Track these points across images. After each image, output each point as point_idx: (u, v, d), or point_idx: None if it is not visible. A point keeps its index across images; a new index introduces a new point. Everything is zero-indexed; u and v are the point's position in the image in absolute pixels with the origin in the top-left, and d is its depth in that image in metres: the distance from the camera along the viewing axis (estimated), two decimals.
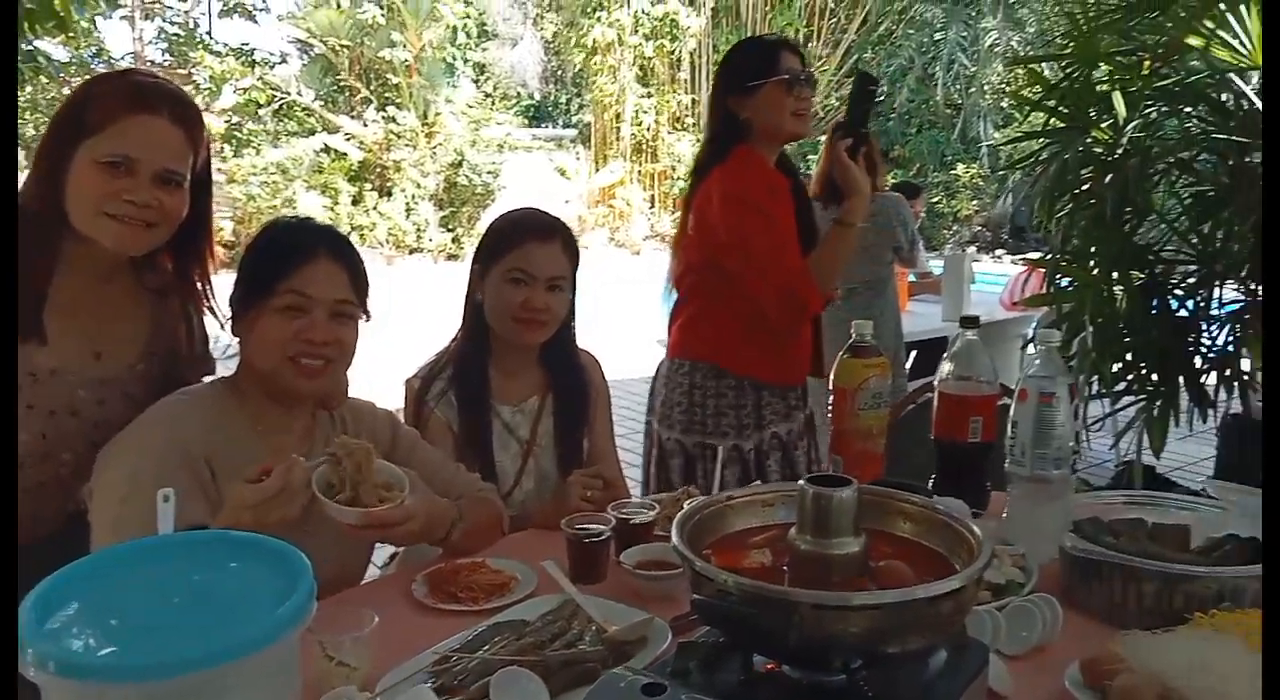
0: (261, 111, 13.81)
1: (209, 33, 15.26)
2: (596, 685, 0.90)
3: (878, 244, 3.82)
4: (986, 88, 11.92)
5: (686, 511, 1.01)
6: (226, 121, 13.38)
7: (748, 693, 0.93)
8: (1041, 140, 3.00)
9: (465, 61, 15.54)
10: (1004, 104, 11.63)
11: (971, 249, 13.13)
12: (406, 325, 6.11)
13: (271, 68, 14.66)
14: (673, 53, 14.41)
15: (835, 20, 13.79)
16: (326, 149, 13.60)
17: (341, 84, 14.78)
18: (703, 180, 2.13)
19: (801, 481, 0.95)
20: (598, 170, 15.04)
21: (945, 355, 1.56)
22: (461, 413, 1.71)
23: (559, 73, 17.56)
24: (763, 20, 13.67)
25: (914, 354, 4.55)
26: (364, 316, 1.44)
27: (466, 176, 13.85)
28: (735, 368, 2.15)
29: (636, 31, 13.66)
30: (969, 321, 1.54)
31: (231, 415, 1.39)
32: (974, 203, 13.44)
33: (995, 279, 6.54)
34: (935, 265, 5.22)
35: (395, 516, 1.29)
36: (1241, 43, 2.62)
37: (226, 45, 14.80)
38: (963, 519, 0.96)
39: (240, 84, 13.79)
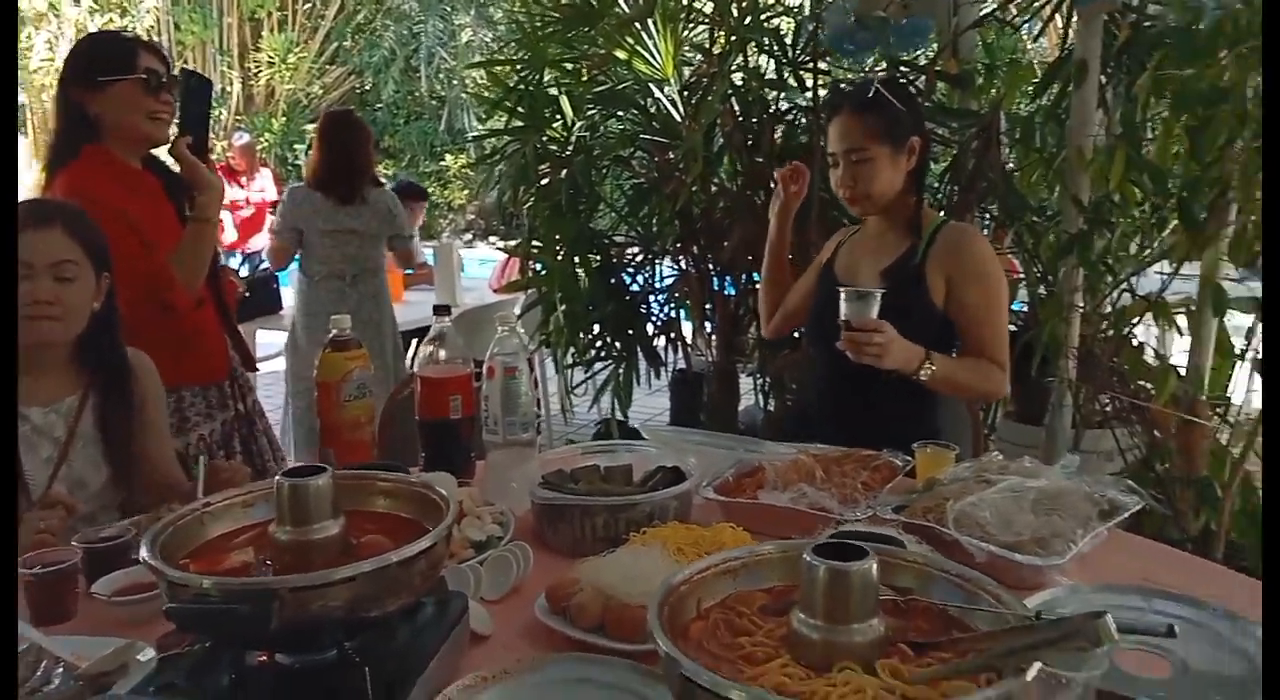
0: None
1: None
2: None
3: (379, 234, 3.85)
4: (468, 81, 12.47)
5: (159, 525, 0.99)
6: None
7: (238, 690, 0.95)
8: (505, 137, 3.28)
9: None
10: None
11: (468, 236, 13.70)
12: None
13: None
14: (125, 29, 12.81)
15: (311, 5, 13.37)
16: None
17: None
18: (51, 181, 1.97)
19: (278, 476, 0.98)
20: (39, 160, 12.88)
21: (423, 341, 1.67)
22: None
23: None
24: (229, 0, 12.76)
25: (415, 342, 4.68)
26: None
27: None
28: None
29: (78, 3, 11.88)
30: (441, 310, 1.67)
31: None
32: (465, 192, 14.00)
33: (489, 264, 6.95)
34: (430, 254, 5.41)
35: None
36: (654, 57, 3.12)
37: None
38: (431, 486, 1.07)
39: None
